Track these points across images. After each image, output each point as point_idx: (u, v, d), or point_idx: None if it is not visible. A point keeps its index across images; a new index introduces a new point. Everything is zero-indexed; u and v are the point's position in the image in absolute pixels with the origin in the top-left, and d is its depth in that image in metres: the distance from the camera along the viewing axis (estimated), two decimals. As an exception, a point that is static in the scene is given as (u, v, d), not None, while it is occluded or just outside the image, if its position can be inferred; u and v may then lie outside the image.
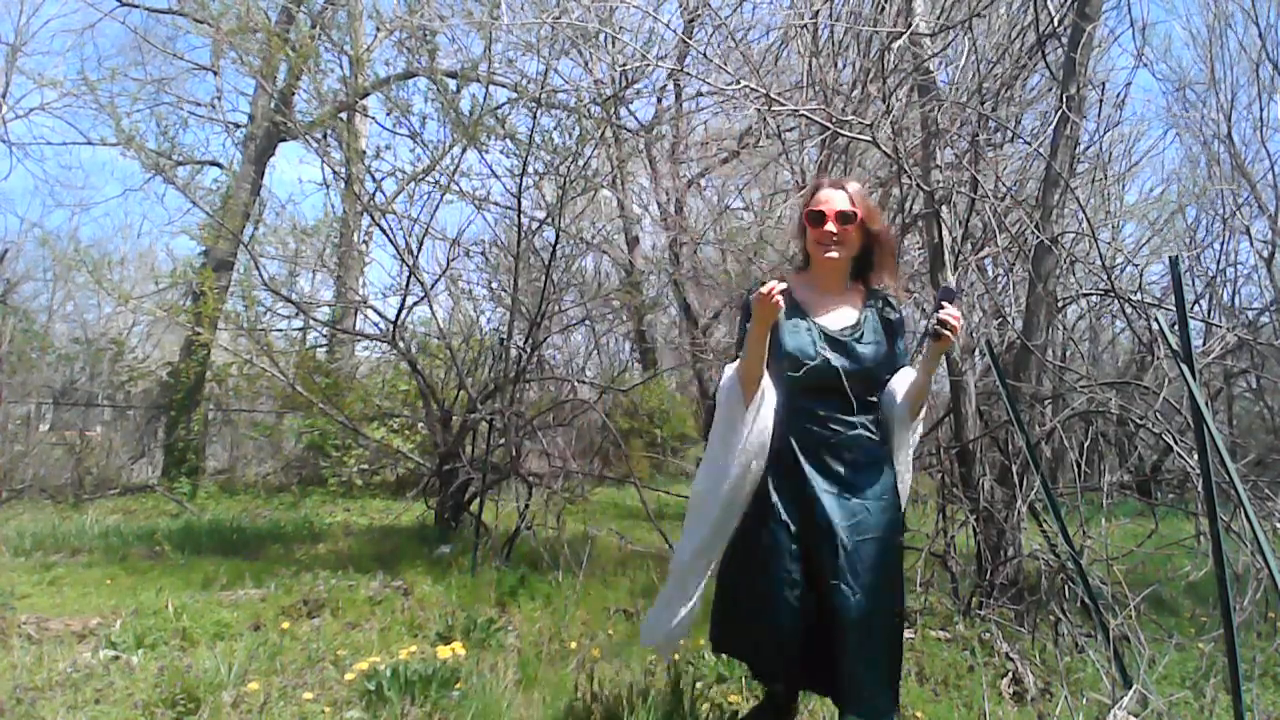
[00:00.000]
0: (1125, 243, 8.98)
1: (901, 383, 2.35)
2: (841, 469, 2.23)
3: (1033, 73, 5.20)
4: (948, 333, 2.14)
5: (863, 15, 5.07)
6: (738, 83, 4.10)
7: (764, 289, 2.12)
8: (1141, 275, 6.76)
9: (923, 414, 2.44)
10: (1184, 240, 10.62)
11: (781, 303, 2.14)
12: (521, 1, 6.12)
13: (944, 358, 4.61)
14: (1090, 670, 2.99)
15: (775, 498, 2.24)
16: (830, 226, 2.26)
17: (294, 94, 7.13)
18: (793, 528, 2.20)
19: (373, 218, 6.56)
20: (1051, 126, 4.12)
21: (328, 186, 6.97)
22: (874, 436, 2.29)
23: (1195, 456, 2.79)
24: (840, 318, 2.33)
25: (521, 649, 3.45)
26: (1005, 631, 3.56)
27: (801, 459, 2.23)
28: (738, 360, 2.31)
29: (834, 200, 2.28)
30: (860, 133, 4.16)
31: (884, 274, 2.41)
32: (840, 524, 2.16)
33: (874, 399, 2.33)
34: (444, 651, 3.13)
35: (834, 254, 2.29)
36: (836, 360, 2.25)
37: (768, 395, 2.26)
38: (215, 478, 11.49)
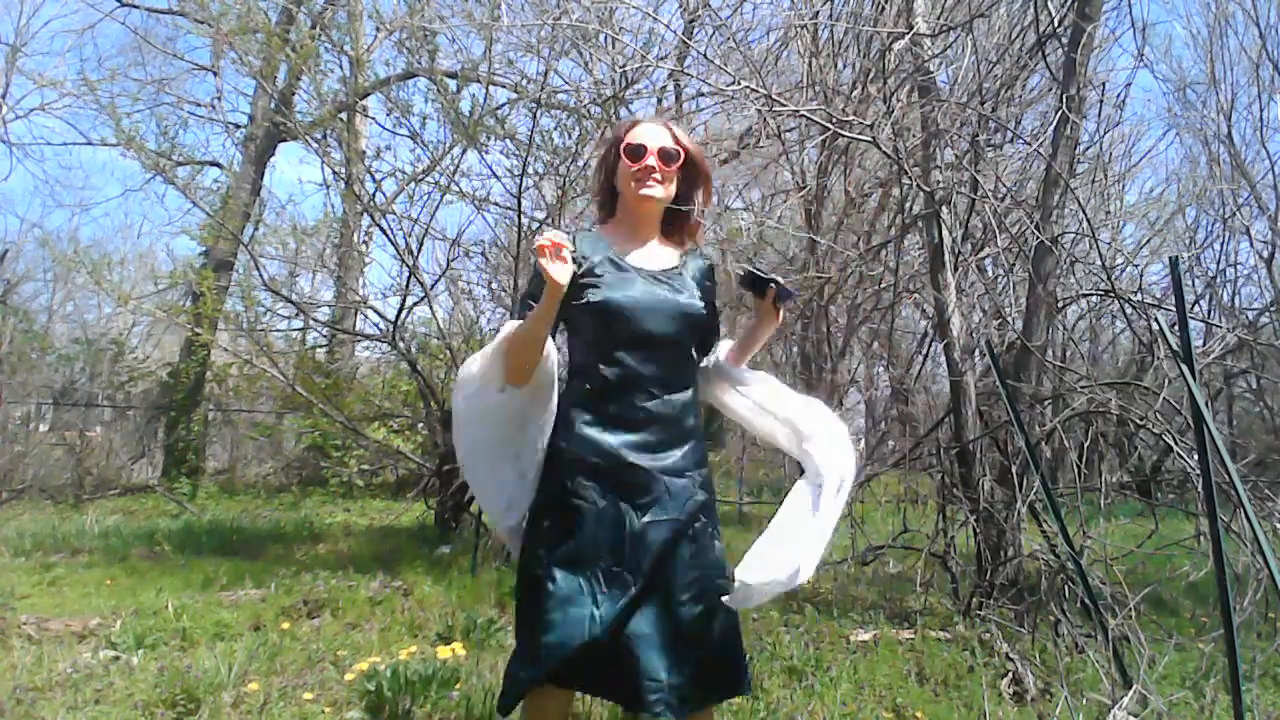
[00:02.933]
0: (1125, 243, 8.97)
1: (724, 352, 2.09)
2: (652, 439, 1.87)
3: (1033, 73, 5.20)
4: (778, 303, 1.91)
5: (863, 15, 5.08)
6: (738, 83, 4.10)
7: (543, 239, 1.72)
8: (1141, 275, 6.76)
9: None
10: (1184, 240, 10.62)
11: (569, 259, 1.74)
12: (522, 2, 6.12)
13: (945, 358, 4.65)
14: (1090, 670, 2.99)
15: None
16: (651, 160, 1.89)
17: (294, 94, 7.13)
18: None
19: (373, 218, 6.55)
20: (1051, 127, 4.12)
21: (328, 187, 6.98)
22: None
23: (1195, 457, 2.78)
24: (660, 260, 1.97)
25: (521, 649, 3.45)
26: (1005, 631, 3.56)
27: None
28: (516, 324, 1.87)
29: (656, 135, 1.92)
30: (860, 133, 4.16)
31: (687, 235, 2.06)
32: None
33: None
34: (444, 652, 3.13)
35: (651, 190, 1.90)
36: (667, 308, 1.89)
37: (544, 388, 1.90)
38: (215, 478, 11.50)
